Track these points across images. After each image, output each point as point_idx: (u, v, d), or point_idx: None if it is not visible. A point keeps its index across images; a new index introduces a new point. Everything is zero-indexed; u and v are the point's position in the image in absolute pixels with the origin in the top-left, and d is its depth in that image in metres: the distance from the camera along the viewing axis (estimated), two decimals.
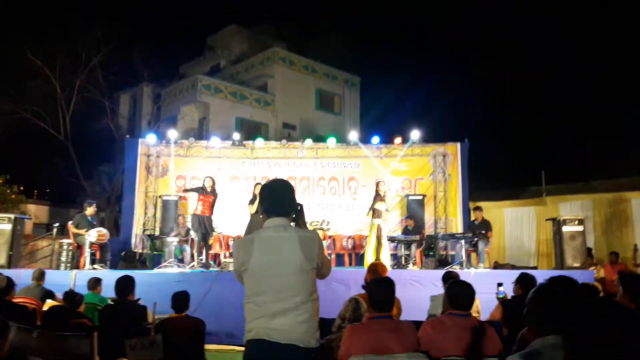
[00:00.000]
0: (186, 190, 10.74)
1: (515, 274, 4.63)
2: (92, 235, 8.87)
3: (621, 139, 18.23)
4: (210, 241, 9.91)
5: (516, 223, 12.96)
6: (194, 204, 9.92)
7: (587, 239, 9.39)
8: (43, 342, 3.56)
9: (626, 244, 10.97)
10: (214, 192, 9.44)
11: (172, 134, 12.18)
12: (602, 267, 9.26)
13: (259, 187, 9.12)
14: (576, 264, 8.64)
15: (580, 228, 8.92)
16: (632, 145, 16.79)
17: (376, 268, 4.73)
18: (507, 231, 13.00)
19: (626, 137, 17.79)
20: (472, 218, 10.72)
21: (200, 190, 9.43)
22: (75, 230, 9.09)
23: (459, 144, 12.45)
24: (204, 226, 9.20)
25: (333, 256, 11.25)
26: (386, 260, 8.92)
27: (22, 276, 7.49)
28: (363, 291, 3.82)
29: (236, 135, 12.54)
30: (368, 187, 12.29)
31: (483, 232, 9.56)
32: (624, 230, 11.36)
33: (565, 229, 8.89)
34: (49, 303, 5.31)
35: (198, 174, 12.08)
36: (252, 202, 8.89)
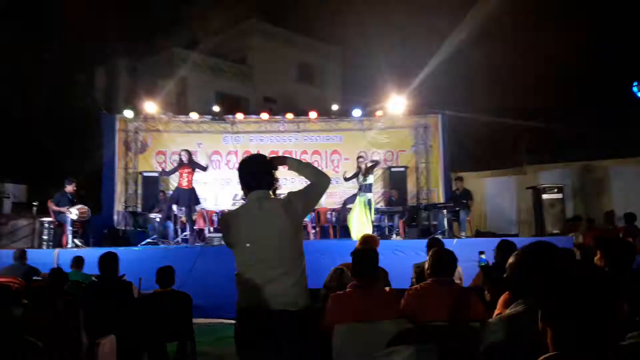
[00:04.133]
0: (166, 173, 10.38)
1: (496, 241, 4.72)
2: (73, 212, 8.78)
3: (600, 107, 18.43)
4: (194, 216, 9.88)
5: (497, 192, 13.15)
6: (176, 179, 9.85)
7: (566, 206, 9.58)
8: (29, 321, 3.54)
9: (604, 210, 11.23)
10: (191, 163, 9.35)
11: (150, 108, 11.98)
12: (580, 233, 9.49)
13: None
14: (556, 231, 8.84)
15: (559, 196, 9.10)
16: (611, 113, 17.01)
17: (367, 240, 4.80)
18: (488, 200, 13.19)
19: (606, 105, 17.98)
20: (454, 188, 10.85)
21: (177, 166, 9.37)
22: (56, 208, 8.97)
23: (439, 116, 12.49)
24: (187, 199, 9.15)
25: (318, 229, 11.32)
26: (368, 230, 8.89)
27: (4, 256, 7.43)
28: (348, 261, 3.87)
29: (215, 108, 12.33)
30: (351, 160, 12.31)
31: (464, 201, 9.70)
32: (601, 196, 11.61)
33: (544, 197, 9.06)
34: (34, 281, 5.29)
35: (178, 150, 11.94)
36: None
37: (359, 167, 9.43)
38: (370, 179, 9.35)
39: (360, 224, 9.09)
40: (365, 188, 9.27)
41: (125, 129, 12.16)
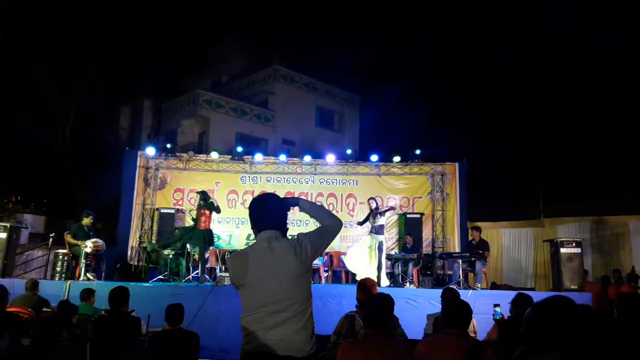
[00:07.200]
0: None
1: (512, 294, 4.61)
2: (88, 245, 8.83)
3: (619, 162, 18.29)
4: (207, 255, 9.88)
5: (514, 244, 12.94)
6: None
7: (584, 261, 9.37)
8: (35, 352, 3.52)
9: (623, 266, 10.95)
10: (207, 206, 9.58)
11: (172, 147, 12.23)
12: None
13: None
14: (574, 286, 8.61)
15: (578, 250, 8.91)
16: (630, 167, 16.85)
17: (365, 284, 4.47)
18: (505, 252, 12.97)
19: (625, 160, 17.85)
20: (470, 238, 10.72)
21: (197, 206, 9.73)
22: (72, 241, 9.05)
23: (457, 164, 12.48)
24: (204, 239, 9.28)
25: (329, 273, 11.19)
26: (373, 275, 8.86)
27: (17, 285, 7.46)
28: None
29: (236, 149, 12.64)
30: (366, 204, 12.29)
31: (480, 252, 9.54)
32: (622, 252, 11.35)
33: (562, 250, 8.88)
34: (44, 312, 5.28)
35: (196, 188, 12.08)
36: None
37: (370, 209, 9.57)
38: (382, 220, 9.46)
39: (365, 265, 9.07)
40: (377, 229, 9.29)
41: (145, 166, 12.35)
